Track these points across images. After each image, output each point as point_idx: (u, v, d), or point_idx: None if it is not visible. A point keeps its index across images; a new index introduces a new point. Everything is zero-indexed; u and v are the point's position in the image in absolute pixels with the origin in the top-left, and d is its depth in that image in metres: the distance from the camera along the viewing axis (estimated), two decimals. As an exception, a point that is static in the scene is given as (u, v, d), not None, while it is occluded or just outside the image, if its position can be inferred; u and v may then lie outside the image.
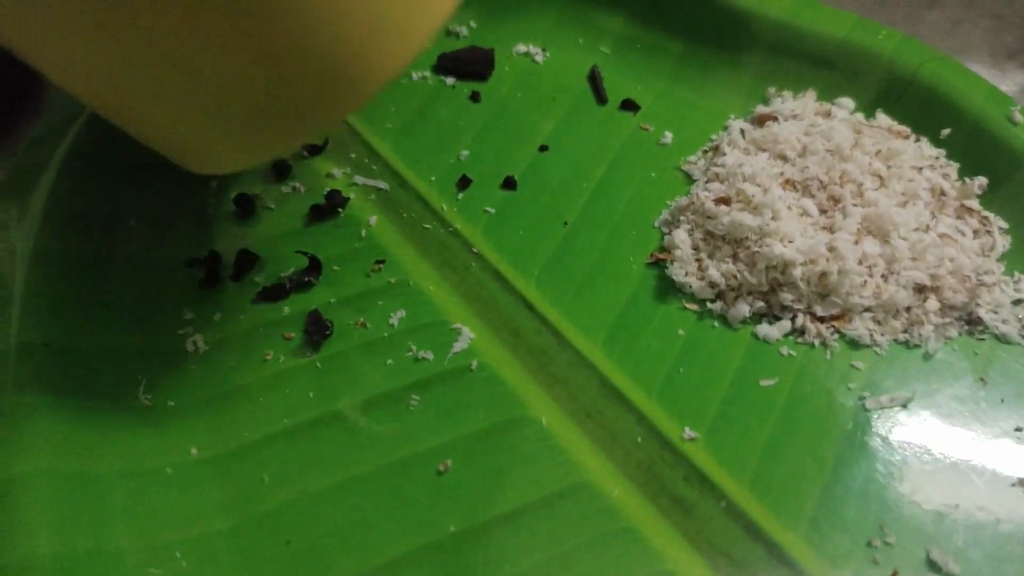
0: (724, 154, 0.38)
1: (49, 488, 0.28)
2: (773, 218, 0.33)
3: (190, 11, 0.25)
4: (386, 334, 0.34)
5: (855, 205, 0.34)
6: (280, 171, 0.40)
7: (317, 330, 0.34)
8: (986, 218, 0.35)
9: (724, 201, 0.35)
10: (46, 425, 0.30)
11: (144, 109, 0.30)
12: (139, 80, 0.28)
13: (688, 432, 0.31)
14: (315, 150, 0.40)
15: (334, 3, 0.26)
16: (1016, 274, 0.34)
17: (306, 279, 0.36)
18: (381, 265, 0.36)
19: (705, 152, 0.39)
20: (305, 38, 0.26)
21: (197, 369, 0.34)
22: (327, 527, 0.29)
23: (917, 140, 0.37)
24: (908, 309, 0.33)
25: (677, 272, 0.35)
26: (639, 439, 0.31)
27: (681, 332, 0.34)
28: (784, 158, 0.36)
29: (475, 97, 0.42)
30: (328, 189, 0.39)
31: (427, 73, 0.44)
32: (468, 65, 0.43)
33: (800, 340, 0.33)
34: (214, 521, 0.29)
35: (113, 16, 0.26)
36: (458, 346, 0.34)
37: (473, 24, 0.45)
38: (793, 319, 0.33)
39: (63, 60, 0.28)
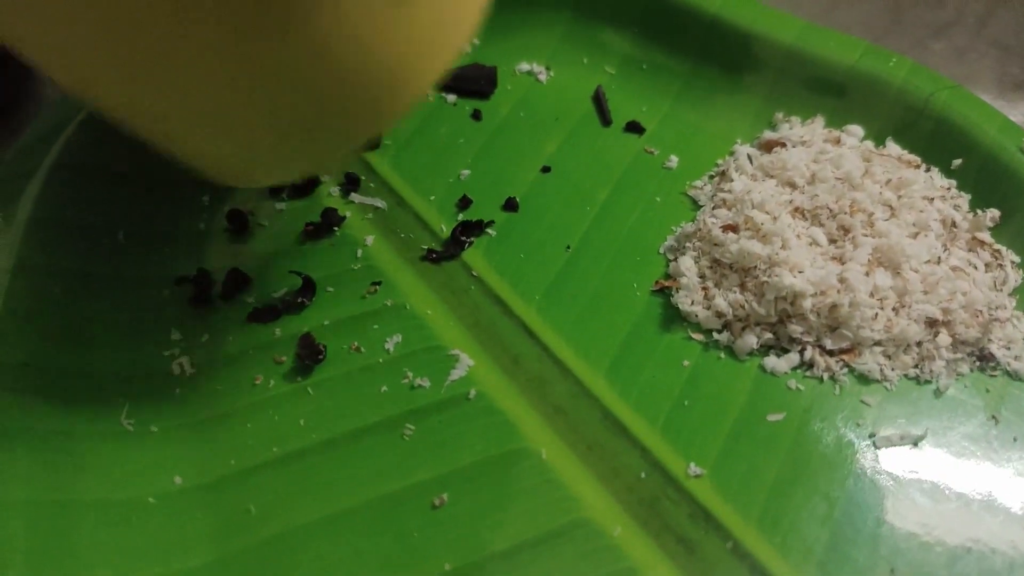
0: (732, 180, 0.37)
1: (23, 518, 0.27)
2: (782, 247, 0.33)
3: (234, 35, 0.24)
4: (381, 359, 0.33)
5: (865, 235, 0.33)
6: (275, 187, 0.39)
7: (309, 354, 0.33)
8: (998, 251, 0.34)
9: (732, 228, 0.34)
10: (22, 450, 0.28)
11: (183, 127, 0.28)
12: (181, 98, 0.27)
13: (693, 468, 0.30)
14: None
15: (372, 25, 0.26)
16: (1028, 309, 0.33)
17: (299, 300, 0.35)
18: (377, 287, 0.35)
19: (711, 177, 0.38)
20: (343, 58, 0.26)
21: (183, 393, 0.32)
22: (316, 562, 0.28)
23: (928, 170, 0.36)
24: (919, 344, 0.32)
25: (683, 300, 0.34)
26: (642, 474, 0.30)
27: (686, 363, 0.33)
28: (793, 185, 0.36)
29: (477, 115, 0.41)
30: (324, 207, 0.38)
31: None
32: (470, 83, 0.42)
33: (808, 374, 0.32)
34: (197, 554, 0.28)
35: (162, 37, 0.24)
36: (456, 373, 0.32)
37: (476, 41, 0.45)
38: (802, 352, 0.32)
39: (111, 81, 0.27)
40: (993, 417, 0.31)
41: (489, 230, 0.37)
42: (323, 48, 0.25)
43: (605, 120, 0.41)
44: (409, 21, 0.27)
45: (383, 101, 0.28)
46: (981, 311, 0.32)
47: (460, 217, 0.38)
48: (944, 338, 0.32)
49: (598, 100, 0.42)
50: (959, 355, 0.32)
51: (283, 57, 0.25)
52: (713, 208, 0.36)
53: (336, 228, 0.37)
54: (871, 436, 0.30)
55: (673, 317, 0.34)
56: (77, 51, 0.25)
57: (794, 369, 0.32)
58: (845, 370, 0.32)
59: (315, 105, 0.27)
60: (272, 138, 0.28)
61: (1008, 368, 0.32)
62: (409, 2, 0.26)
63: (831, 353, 0.32)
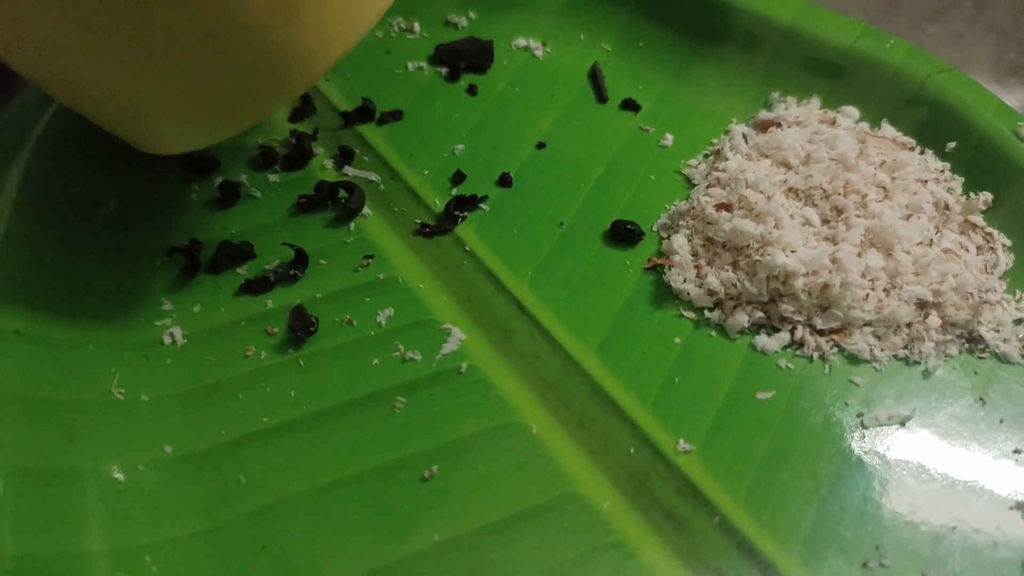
0: (726, 159, 0.37)
1: (13, 485, 0.27)
2: (775, 226, 0.33)
3: None
4: (373, 332, 0.33)
5: (858, 216, 0.33)
6: (267, 159, 0.39)
7: (301, 326, 0.33)
8: (990, 234, 0.34)
9: (725, 207, 0.34)
10: (12, 419, 0.28)
11: (92, 83, 0.29)
12: (87, 53, 0.28)
13: (682, 444, 0.30)
14: (304, 139, 0.39)
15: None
16: (1018, 293, 0.33)
17: (291, 272, 0.34)
18: (370, 260, 0.35)
19: (706, 156, 0.38)
20: (254, 14, 0.27)
21: (174, 363, 0.32)
22: (305, 533, 0.28)
23: (922, 152, 0.36)
24: (909, 325, 0.32)
25: (675, 278, 0.34)
26: (632, 450, 0.30)
27: (677, 340, 0.33)
28: (787, 165, 0.36)
29: (472, 90, 0.41)
30: (318, 179, 0.38)
31: (423, 64, 0.43)
32: (466, 57, 0.42)
33: (799, 353, 0.32)
34: (187, 523, 0.28)
35: None
36: (448, 347, 0.32)
37: (472, 15, 0.44)
38: (792, 331, 0.32)
39: (7, 33, 0.27)
40: (981, 399, 0.31)
41: (483, 205, 0.37)
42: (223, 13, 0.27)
43: (601, 97, 0.41)
44: None
45: (294, 60, 0.29)
46: (972, 293, 0.32)
47: (454, 192, 0.37)
48: (934, 320, 0.32)
49: (594, 77, 0.41)
50: (948, 337, 0.32)
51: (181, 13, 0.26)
52: (707, 187, 0.36)
53: (329, 202, 0.37)
54: (859, 415, 0.30)
55: (665, 295, 0.34)
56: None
57: (784, 348, 0.32)
58: (835, 350, 0.32)
59: (226, 56, 0.28)
60: (175, 95, 0.29)
61: (996, 351, 0.32)
62: None
63: (821, 333, 0.32)
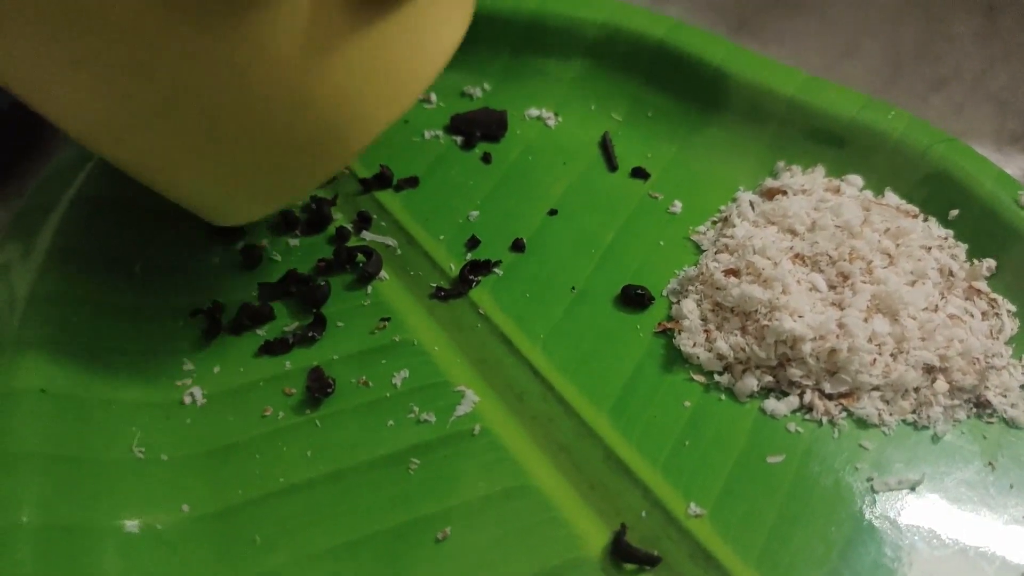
0: (734, 225, 0.38)
1: (33, 542, 0.27)
2: (783, 292, 0.33)
3: (200, 66, 0.27)
4: (388, 394, 0.34)
5: (864, 282, 0.34)
6: (288, 223, 0.40)
7: (319, 387, 0.33)
8: (994, 300, 0.35)
9: (734, 273, 0.35)
10: (36, 476, 0.29)
11: (157, 160, 0.31)
12: (154, 131, 0.30)
13: (693, 508, 0.30)
14: (323, 204, 0.40)
15: (333, 61, 0.29)
16: (1024, 358, 0.34)
17: (310, 334, 0.35)
18: (386, 323, 0.36)
19: (714, 222, 0.39)
20: (298, 99, 0.29)
21: (193, 423, 0.33)
22: (319, 593, 0.28)
23: (926, 220, 0.37)
24: (917, 390, 0.33)
25: (685, 343, 0.35)
26: (643, 513, 0.30)
27: (688, 404, 0.33)
28: (793, 232, 0.36)
29: (486, 159, 0.43)
30: (337, 245, 0.39)
31: (439, 132, 0.44)
32: (481, 126, 0.43)
33: (808, 417, 0.32)
34: (203, 583, 0.29)
35: (130, 66, 0.27)
36: (461, 409, 0.33)
37: (487, 87, 0.46)
38: (801, 395, 0.33)
39: (77, 112, 0.29)
40: (990, 463, 0.31)
41: (496, 270, 0.38)
42: (281, 86, 0.28)
43: (611, 165, 0.42)
44: (365, 57, 0.30)
45: (347, 133, 0.31)
46: (978, 359, 0.33)
47: (468, 256, 0.38)
48: (941, 384, 0.32)
49: (605, 146, 0.43)
50: (956, 401, 0.32)
51: (239, 93, 0.28)
52: (716, 253, 0.37)
53: (348, 265, 0.38)
54: (869, 480, 0.31)
55: (675, 358, 0.35)
56: (56, 85, 0.28)
57: (793, 412, 0.33)
58: (844, 414, 0.32)
59: (273, 143, 0.30)
60: (236, 174, 0.31)
61: (1005, 415, 0.32)
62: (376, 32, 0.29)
63: (830, 397, 0.33)
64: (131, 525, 0.29)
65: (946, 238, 0.37)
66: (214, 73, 0.27)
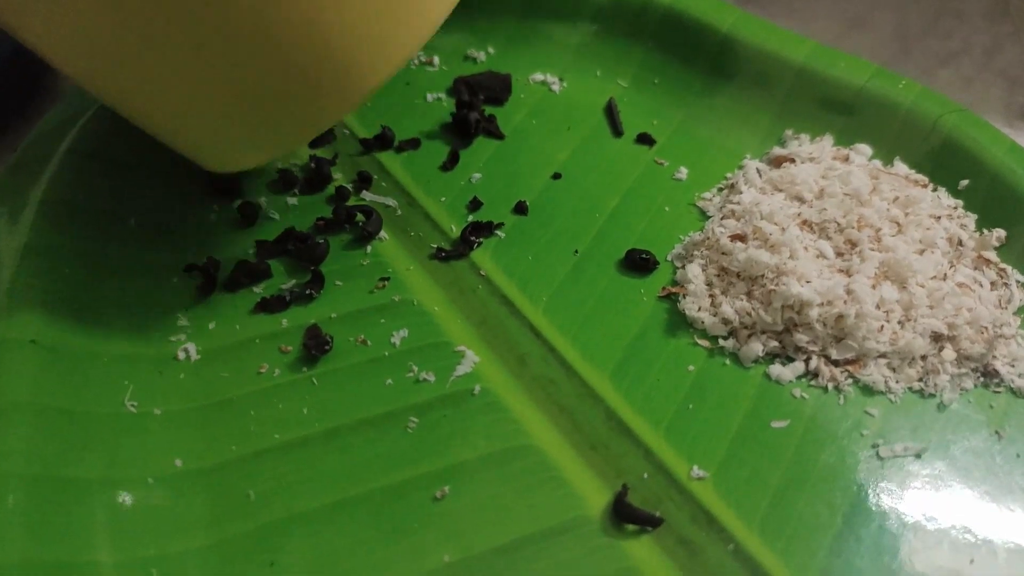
0: (740, 192, 0.37)
1: (23, 493, 0.27)
2: (790, 257, 0.33)
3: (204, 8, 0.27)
4: (387, 353, 0.33)
5: (872, 250, 0.33)
6: (287, 182, 0.39)
7: (316, 345, 0.33)
8: (1004, 270, 0.34)
9: (740, 238, 0.34)
10: (25, 427, 0.28)
11: (154, 101, 0.30)
12: (151, 71, 0.29)
13: (696, 471, 0.30)
14: (323, 164, 0.39)
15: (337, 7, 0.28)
16: (1033, 328, 0.33)
17: (307, 292, 0.35)
18: (385, 282, 0.35)
19: (720, 189, 0.39)
20: (310, 34, 0.28)
21: (187, 378, 0.32)
22: (314, 550, 0.28)
23: (935, 189, 0.37)
24: (924, 358, 0.32)
25: (689, 307, 0.34)
26: (645, 475, 0.30)
27: (691, 368, 0.33)
28: (801, 199, 0.36)
29: (490, 121, 0.42)
30: (336, 203, 0.38)
31: (442, 95, 0.43)
32: (485, 89, 0.43)
33: (813, 383, 0.32)
34: (195, 537, 0.28)
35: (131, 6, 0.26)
36: (461, 369, 0.32)
37: (491, 50, 0.45)
38: (807, 361, 0.32)
39: (74, 49, 0.28)
40: (997, 432, 0.31)
41: (498, 232, 0.37)
42: (288, 18, 0.28)
43: (616, 131, 0.42)
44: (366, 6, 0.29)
45: (348, 78, 0.30)
46: (986, 328, 0.32)
47: (470, 218, 0.38)
48: (949, 353, 0.32)
49: (610, 111, 0.42)
50: (963, 370, 0.32)
51: (239, 26, 0.27)
52: (722, 218, 0.36)
53: (347, 224, 0.37)
54: (875, 447, 0.30)
55: (679, 323, 0.34)
56: (57, 17, 0.28)
57: (799, 378, 0.32)
58: (850, 381, 0.32)
59: (281, 76, 0.29)
60: (236, 113, 0.30)
61: (1012, 385, 0.32)
62: None
63: (836, 363, 0.32)
64: (122, 478, 0.29)
65: (956, 208, 0.36)
66: (226, 4, 0.27)
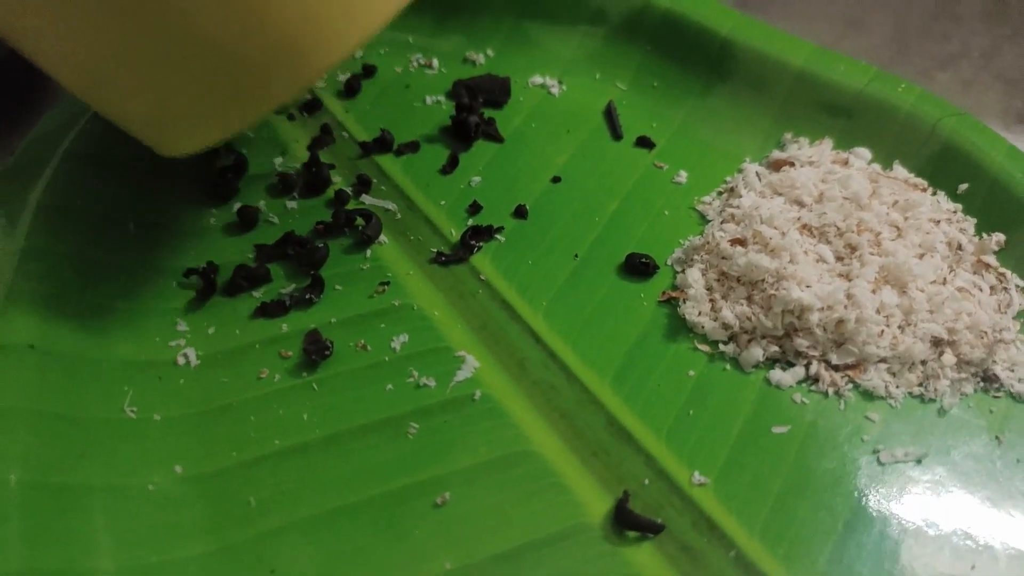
0: (740, 196, 0.37)
1: (22, 499, 0.27)
2: (790, 261, 0.33)
3: None
4: (387, 358, 0.33)
5: (872, 254, 0.33)
6: (286, 185, 0.39)
7: (316, 350, 0.33)
8: (1003, 274, 0.34)
9: (740, 242, 0.34)
10: (24, 432, 0.28)
11: (108, 79, 0.30)
12: (102, 47, 0.29)
13: (697, 476, 0.30)
14: (322, 167, 0.39)
15: None
16: (1032, 333, 0.33)
17: (307, 296, 0.35)
18: (385, 287, 0.35)
19: (720, 193, 0.39)
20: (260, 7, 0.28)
21: (187, 383, 0.32)
22: (314, 556, 0.28)
23: (934, 193, 0.37)
24: (924, 362, 0.32)
25: (690, 311, 0.34)
26: (646, 481, 0.30)
27: (692, 373, 0.33)
28: (801, 203, 0.36)
29: (489, 124, 0.42)
30: (336, 207, 0.38)
31: (441, 98, 0.43)
32: (484, 92, 0.43)
33: (814, 388, 0.32)
34: (195, 544, 0.28)
35: None
36: (461, 375, 0.32)
37: (490, 52, 0.45)
38: (807, 366, 0.32)
39: (28, 30, 0.29)
40: (997, 438, 0.31)
41: (498, 236, 0.37)
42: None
43: (616, 134, 0.41)
44: None
45: (305, 49, 0.29)
46: (986, 332, 0.32)
47: (470, 222, 0.38)
48: (949, 358, 0.32)
49: (609, 114, 0.42)
50: (963, 375, 0.32)
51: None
52: (722, 222, 0.36)
53: (347, 228, 0.37)
54: (875, 452, 0.30)
55: (679, 327, 0.34)
56: None
57: (799, 383, 0.32)
58: (850, 386, 0.32)
59: (237, 45, 0.28)
60: (183, 89, 0.30)
61: (1012, 390, 0.32)
62: None
63: (836, 368, 0.32)
64: (122, 484, 0.29)
65: (955, 212, 0.36)
66: None
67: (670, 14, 0.43)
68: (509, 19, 0.45)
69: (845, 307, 0.32)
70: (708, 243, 0.35)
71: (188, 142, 0.32)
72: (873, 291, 0.32)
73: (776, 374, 0.32)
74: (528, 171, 0.40)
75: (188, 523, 0.28)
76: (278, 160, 0.40)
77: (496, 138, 0.41)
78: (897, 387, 0.32)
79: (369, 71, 0.45)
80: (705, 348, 0.33)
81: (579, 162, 0.40)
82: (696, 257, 0.36)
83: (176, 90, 0.30)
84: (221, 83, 0.30)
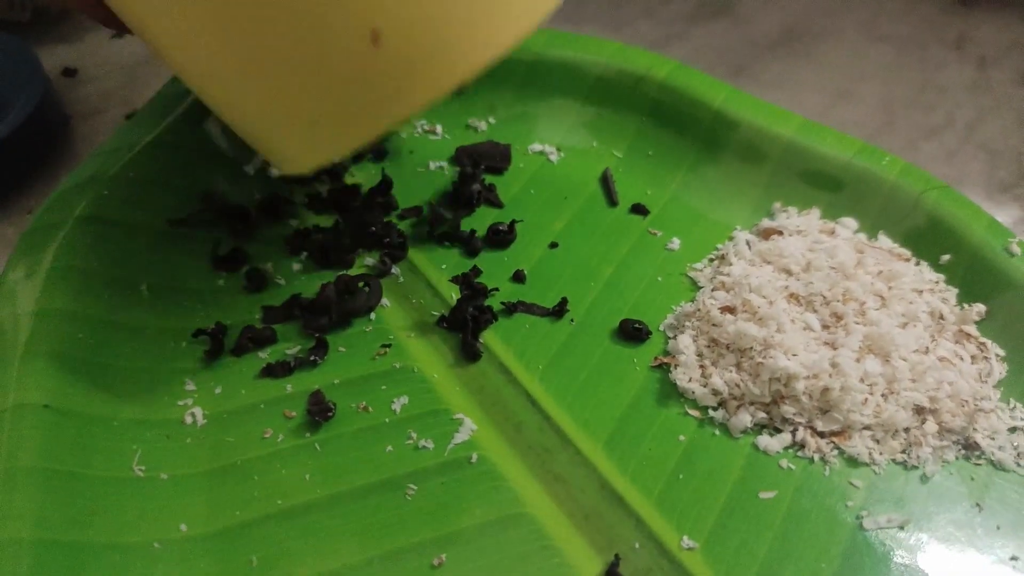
0: (731, 264, 0.38)
1: (32, 557, 0.28)
2: (778, 330, 0.34)
3: None
4: (387, 420, 0.34)
5: (857, 323, 0.35)
6: (293, 247, 0.40)
7: (319, 411, 0.34)
8: (984, 344, 0.35)
9: (730, 310, 0.36)
10: (37, 491, 0.29)
11: (240, 86, 0.30)
12: (239, 56, 0.29)
13: (687, 541, 0.30)
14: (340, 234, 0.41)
15: None
16: (1012, 401, 0.34)
17: (312, 358, 0.36)
18: (387, 349, 0.37)
19: (711, 260, 0.40)
20: (409, 11, 0.28)
21: (194, 443, 0.33)
22: (314, 616, 0.29)
23: (918, 264, 0.38)
24: (907, 430, 0.33)
25: (680, 377, 0.35)
26: (636, 545, 0.30)
27: (682, 438, 0.34)
28: (789, 272, 0.37)
29: (490, 190, 0.43)
30: (339, 271, 0.40)
31: (444, 163, 0.45)
32: (486, 158, 0.44)
33: (800, 454, 0.33)
34: (199, 603, 0.29)
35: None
36: (459, 437, 0.33)
37: (492, 120, 0.47)
38: (794, 432, 0.33)
39: (172, 36, 0.30)
40: (977, 505, 0.32)
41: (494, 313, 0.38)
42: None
43: (612, 201, 0.43)
44: None
45: (446, 59, 0.29)
46: (967, 401, 0.33)
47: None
48: (931, 425, 0.33)
49: (606, 182, 0.44)
50: (945, 443, 0.33)
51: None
52: (712, 290, 0.38)
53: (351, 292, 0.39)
54: (859, 518, 0.31)
55: (670, 393, 0.35)
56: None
57: (786, 449, 0.33)
58: (835, 452, 0.33)
59: (375, 57, 0.28)
60: (316, 100, 0.30)
61: (992, 458, 0.33)
62: None
63: (822, 435, 0.33)
64: (129, 543, 0.29)
65: (937, 282, 0.37)
66: None
67: (666, 85, 0.45)
68: (510, 90, 0.47)
69: (830, 375, 0.33)
70: (699, 310, 0.37)
71: (316, 154, 0.32)
72: (857, 360, 0.33)
73: (764, 440, 0.33)
74: (527, 236, 0.41)
75: (192, 581, 0.29)
76: (294, 222, 0.42)
77: (496, 204, 0.43)
78: (881, 454, 0.33)
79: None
80: (695, 413, 0.35)
81: (576, 228, 0.42)
82: (687, 324, 0.37)
83: (322, 89, 0.29)
84: (375, 80, 0.29)
